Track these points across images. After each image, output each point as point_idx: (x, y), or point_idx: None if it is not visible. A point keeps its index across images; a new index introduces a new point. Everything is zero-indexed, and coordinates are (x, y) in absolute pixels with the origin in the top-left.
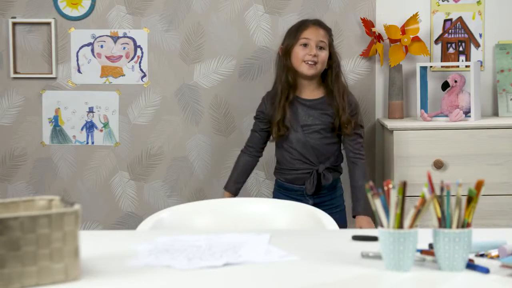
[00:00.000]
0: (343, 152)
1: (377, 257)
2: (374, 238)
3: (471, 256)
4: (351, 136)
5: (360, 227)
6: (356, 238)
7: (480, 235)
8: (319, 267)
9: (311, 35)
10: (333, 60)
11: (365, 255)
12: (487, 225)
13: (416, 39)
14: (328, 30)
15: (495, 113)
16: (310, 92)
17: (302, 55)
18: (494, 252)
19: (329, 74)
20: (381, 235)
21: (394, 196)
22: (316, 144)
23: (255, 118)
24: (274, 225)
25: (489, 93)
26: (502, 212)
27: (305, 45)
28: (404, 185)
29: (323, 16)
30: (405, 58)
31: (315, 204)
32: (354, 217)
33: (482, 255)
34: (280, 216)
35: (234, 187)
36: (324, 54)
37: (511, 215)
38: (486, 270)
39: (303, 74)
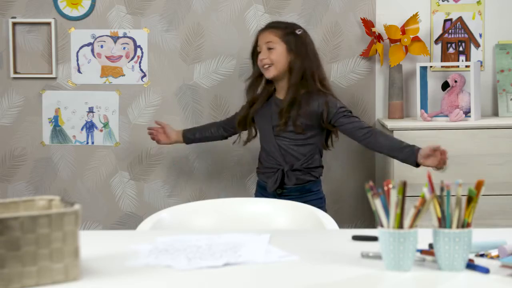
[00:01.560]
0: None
1: (377, 257)
2: (374, 238)
3: (471, 256)
4: (346, 126)
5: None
6: (356, 238)
7: (480, 235)
8: (319, 267)
9: (260, 41)
10: (292, 56)
11: (365, 255)
12: (487, 225)
13: (416, 39)
14: (278, 28)
15: (495, 113)
16: (284, 93)
17: (258, 62)
18: (494, 252)
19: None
20: (381, 235)
21: (394, 196)
22: (284, 144)
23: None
24: (274, 225)
25: (489, 93)
26: (502, 212)
27: (260, 52)
28: (404, 185)
29: (323, 16)
30: (405, 58)
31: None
32: (417, 166)
33: (482, 255)
34: (280, 216)
35: (188, 134)
36: (274, 54)
37: (511, 215)
38: (486, 270)
39: (268, 77)
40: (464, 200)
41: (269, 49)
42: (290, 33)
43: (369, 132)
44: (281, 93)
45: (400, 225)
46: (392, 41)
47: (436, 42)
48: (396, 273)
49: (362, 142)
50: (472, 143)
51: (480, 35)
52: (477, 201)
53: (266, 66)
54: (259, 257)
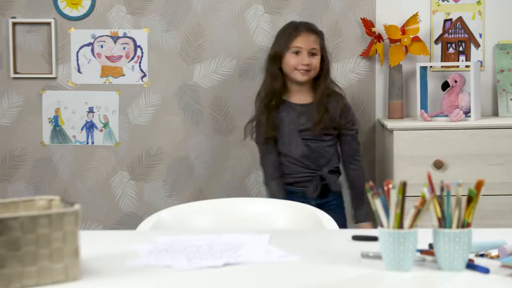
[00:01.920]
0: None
1: (377, 257)
2: (374, 238)
3: (471, 256)
4: (345, 138)
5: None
6: (356, 238)
7: (480, 235)
8: (319, 267)
9: (303, 43)
10: (324, 64)
11: (365, 255)
12: (487, 225)
13: (416, 39)
14: (319, 34)
15: (495, 113)
16: (303, 97)
17: (294, 63)
18: (494, 252)
19: (321, 79)
20: (381, 235)
21: (394, 196)
22: (316, 148)
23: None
24: (274, 225)
25: (489, 93)
26: (502, 212)
27: (296, 52)
28: (404, 185)
29: (323, 16)
30: (405, 58)
31: (318, 205)
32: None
33: (482, 255)
34: (279, 216)
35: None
36: (316, 60)
37: (511, 215)
38: (486, 270)
39: (296, 80)
40: (464, 200)
41: (312, 54)
42: (324, 42)
43: (354, 164)
44: (296, 98)
45: (400, 225)
46: (392, 41)
47: (436, 42)
48: (396, 273)
49: (344, 164)
50: (472, 143)
51: (480, 35)
52: (477, 201)
53: (304, 71)
54: (259, 257)
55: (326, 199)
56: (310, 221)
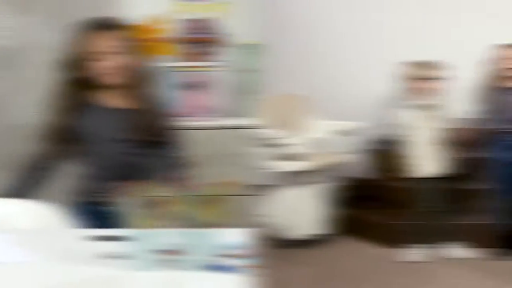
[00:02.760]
0: None
1: (119, 257)
2: (117, 238)
3: (216, 256)
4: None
5: None
6: (96, 238)
7: (224, 235)
8: (58, 267)
9: (96, 46)
10: (135, 62)
11: (105, 256)
12: (231, 225)
13: (160, 39)
14: (119, 29)
15: (240, 113)
16: (118, 101)
17: (95, 69)
18: (238, 252)
19: (136, 80)
20: (124, 235)
21: (139, 197)
22: (134, 161)
23: None
24: (15, 225)
25: (233, 93)
26: (246, 212)
27: (95, 58)
28: (145, 185)
29: (62, 16)
30: (149, 58)
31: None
32: None
33: (225, 256)
34: (20, 215)
35: None
36: (115, 61)
37: (252, 215)
38: (231, 270)
39: (107, 84)
40: (208, 200)
41: (113, 53)
42: (127, 33)
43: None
44: (114, 101)
45: (144, 225)
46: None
47: (180, 42)
48: (137, 273)
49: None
50: (216, 143)
51: (226, 36)
52: (221, 201)
53: (110, 72)
54: None
55: None
56: (52, 220)
